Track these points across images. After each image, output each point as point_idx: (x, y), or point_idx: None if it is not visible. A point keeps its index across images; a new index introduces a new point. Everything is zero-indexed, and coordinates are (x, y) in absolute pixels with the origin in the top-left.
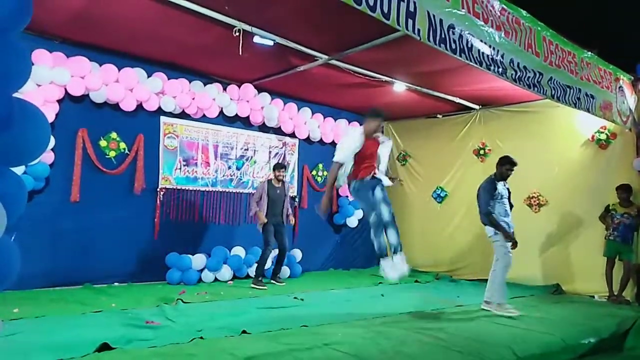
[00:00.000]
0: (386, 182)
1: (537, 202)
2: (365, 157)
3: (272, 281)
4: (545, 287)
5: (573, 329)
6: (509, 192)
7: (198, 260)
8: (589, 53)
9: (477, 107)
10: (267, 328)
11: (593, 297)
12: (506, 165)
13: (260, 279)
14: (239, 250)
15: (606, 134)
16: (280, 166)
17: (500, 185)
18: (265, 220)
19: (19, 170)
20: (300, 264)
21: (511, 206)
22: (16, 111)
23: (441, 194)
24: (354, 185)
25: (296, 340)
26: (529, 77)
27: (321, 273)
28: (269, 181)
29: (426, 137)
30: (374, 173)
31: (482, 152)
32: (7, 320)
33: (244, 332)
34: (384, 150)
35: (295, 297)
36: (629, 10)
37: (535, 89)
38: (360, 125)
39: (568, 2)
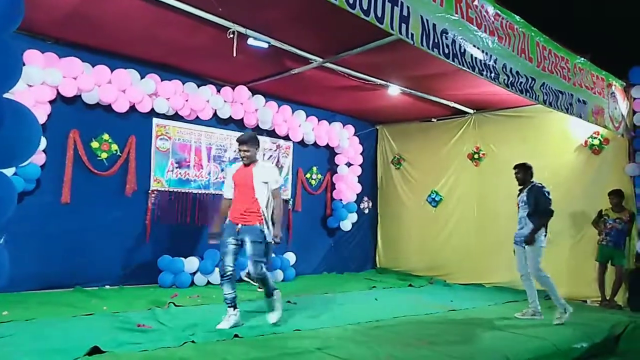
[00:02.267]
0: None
1: None
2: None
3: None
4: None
5: (565, 333)
6: (527, 197)
7: (190, 263)
8: (582, 59)
9: (471, 111)
10: (260, 332)
11: (585, 301)
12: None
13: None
14: None
15: (599, 139)
16: None
17: (520, 193)
18: None
19: (9, 171)
20: (293, 267)
21: (529, 212)
22: (6, 112)
23: (436, 198)
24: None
25: (289, 345)
26: (521, 82)
27: (315, 277)
28: None
29: (420, 141)
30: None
31: (476, 156)
32: None
33: (235, 336)
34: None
35: (288, 301)
36: (622, 16)
37: (528, 94)
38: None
39: (562, 7)
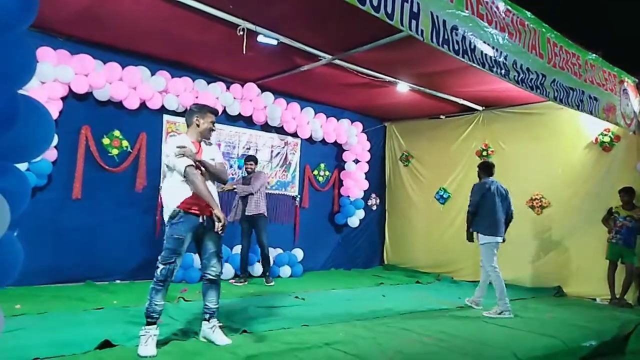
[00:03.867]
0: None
1: (540, 204)
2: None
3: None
4: (546, 289)
5: (574, 331)
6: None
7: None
8: (594, 55)
9: (480, 108)
10: (268, 327)
11: (595, 300)
12: None
13: (241, 275)
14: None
15: (610, 136)
16: (248, 158)
17: None
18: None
19: (21, 167)
20: (301, 263)
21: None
22: (21, 108)
23: (444, 195)
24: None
25: (297, 340)
26: (531, 78)
27: (322, 273)
28: (243, 177)
29: (429, 138)
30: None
31: (484, 153)
32: (9, 316)
33: (244, 331)
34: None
35: (296, 297)
36: (634, 12)
37: (538, 90)
38: None
39: (573, 3)
